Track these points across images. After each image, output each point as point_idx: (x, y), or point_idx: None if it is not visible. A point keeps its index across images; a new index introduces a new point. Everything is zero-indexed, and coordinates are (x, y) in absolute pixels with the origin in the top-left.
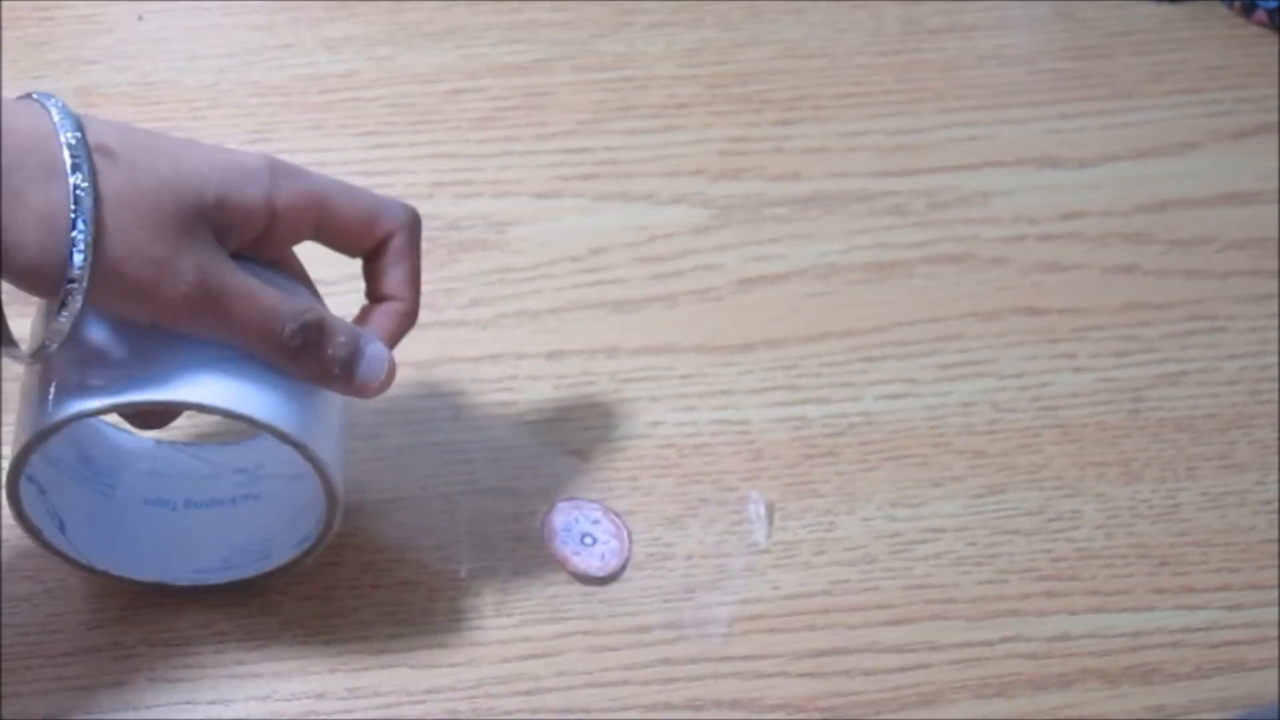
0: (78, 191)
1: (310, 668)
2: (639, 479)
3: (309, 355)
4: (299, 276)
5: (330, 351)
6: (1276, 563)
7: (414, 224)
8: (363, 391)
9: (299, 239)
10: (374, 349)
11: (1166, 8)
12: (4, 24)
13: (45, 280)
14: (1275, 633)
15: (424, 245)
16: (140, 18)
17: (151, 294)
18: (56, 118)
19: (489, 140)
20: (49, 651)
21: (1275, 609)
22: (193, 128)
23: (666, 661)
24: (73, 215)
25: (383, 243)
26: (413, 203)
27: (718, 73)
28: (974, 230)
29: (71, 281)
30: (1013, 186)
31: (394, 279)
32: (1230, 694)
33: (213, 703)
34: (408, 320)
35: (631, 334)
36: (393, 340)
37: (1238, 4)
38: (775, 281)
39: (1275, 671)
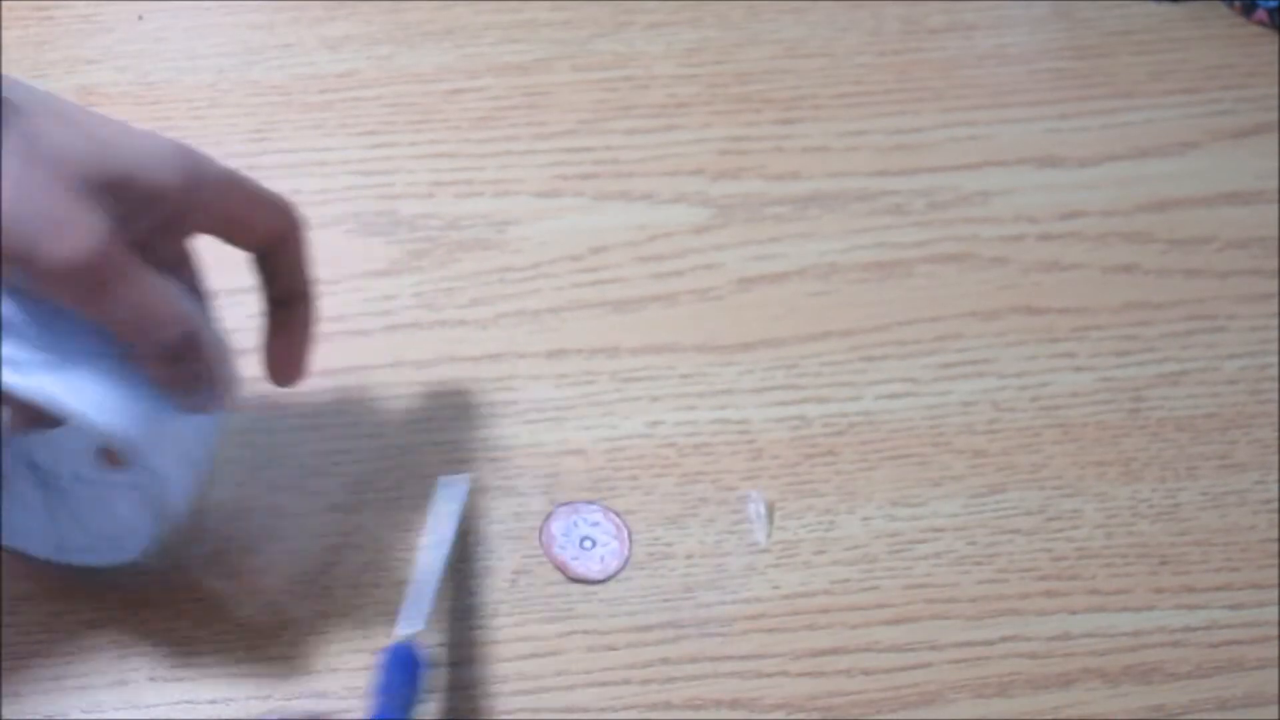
0: None
1: (311, 666)
2: (639, 478)
3: (174, 366)
4: (197, 282)
5: (195, 369)
6: (1276, 562)
7: (303, 221)
8: (198, 411)
9: (206, 230)
10: (234, 376)
11: (1166, 7)
12: (4, 23)
13: None
14: (1275, 632)
15: (425, 245)
16: (140, 17)
17: (37, 254)
18: None
19: (489, 140)
20: (49, 651)
21: (1275, 608)
22: (193, 127)
23: (666, 661)
24: None
25: (283, 237)
26: (413, 202)
27: (718, 72)
28: (974, 230)
29: None
30: (1013, 186)
31: (300, 274)
32: (1230, 693)
33: (213, 702)
34: (317, 317)
35: (631, 333)
36: (312, 341)
37: (1238, 3)
38: (775, 281)
39: (1275, 671)
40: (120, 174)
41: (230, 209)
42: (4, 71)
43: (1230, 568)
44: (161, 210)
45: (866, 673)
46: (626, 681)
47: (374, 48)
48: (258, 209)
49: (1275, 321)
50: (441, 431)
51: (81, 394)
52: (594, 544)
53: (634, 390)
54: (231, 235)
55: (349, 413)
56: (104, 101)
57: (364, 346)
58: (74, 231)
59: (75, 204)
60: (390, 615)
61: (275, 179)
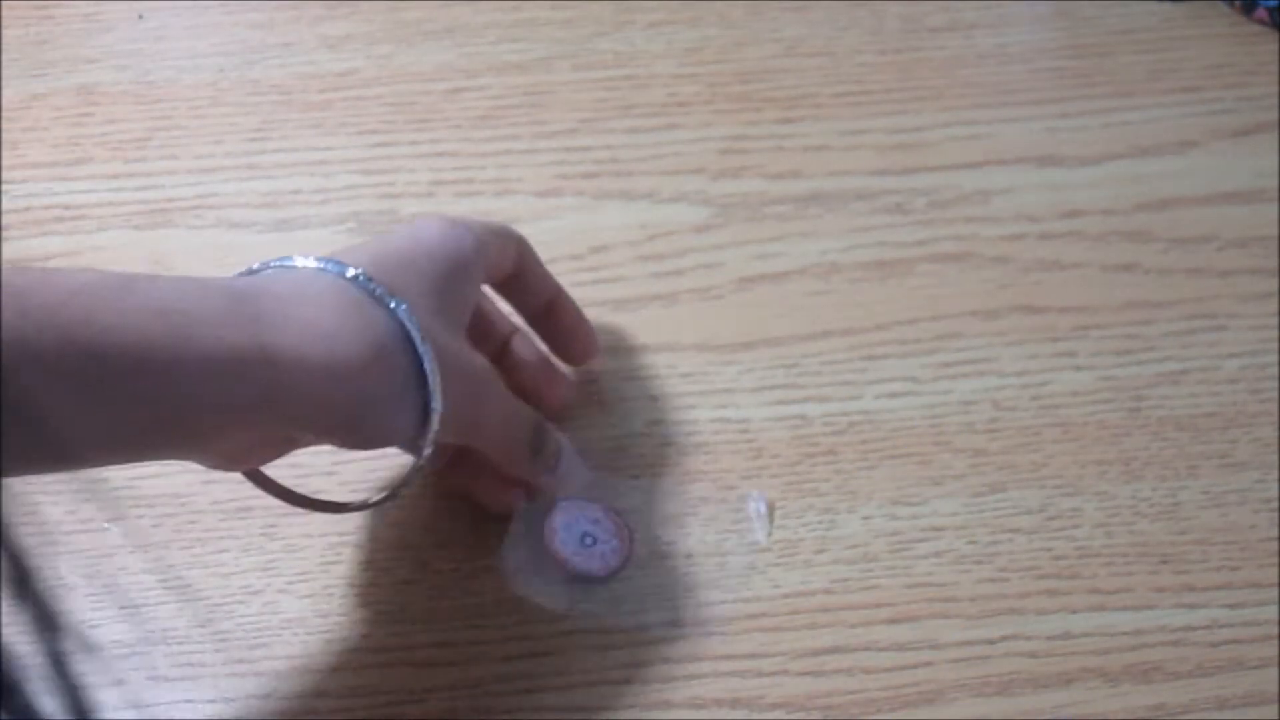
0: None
1: (311, 666)
2: (639, 477)
3: (536, 457)
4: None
5: (551, 447)
6: (1277, 561)
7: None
8: (546, 488)
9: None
10: (566, 448)
11: (1167, 6)
12: (4, 22)
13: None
14: (1276, 631)
15: None
16: (140, 16)
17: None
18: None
19: (489, 139)
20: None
21: (1276, 608)
22: (193, 126)
23: (667, 660)
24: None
25: (523, 260)
26: (413, 201)
27: (718, 71)
28: (974, 229)
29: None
30: (1013, 185)
31: (549, 280)
32: (1231, 692)
33: (213, 701)
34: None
35: (632, 332)
36: (585, 318)
37: (1238, 2)
38: (776, 280)
39: (1276, 670)
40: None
41: (497, 260)
42: (4, 72)
43: (1231, 567)
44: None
45: (867, 672)
46: (627, 680)
47: (374, 47)
48: (506, 248)
49: (1276, 320)
50: None
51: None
52: (595, 541)
53: (634, 389)
54: (496, 283)
55: None
56: (104, 100)
57: None
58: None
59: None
60: (391, 613)
61: (275, 178)
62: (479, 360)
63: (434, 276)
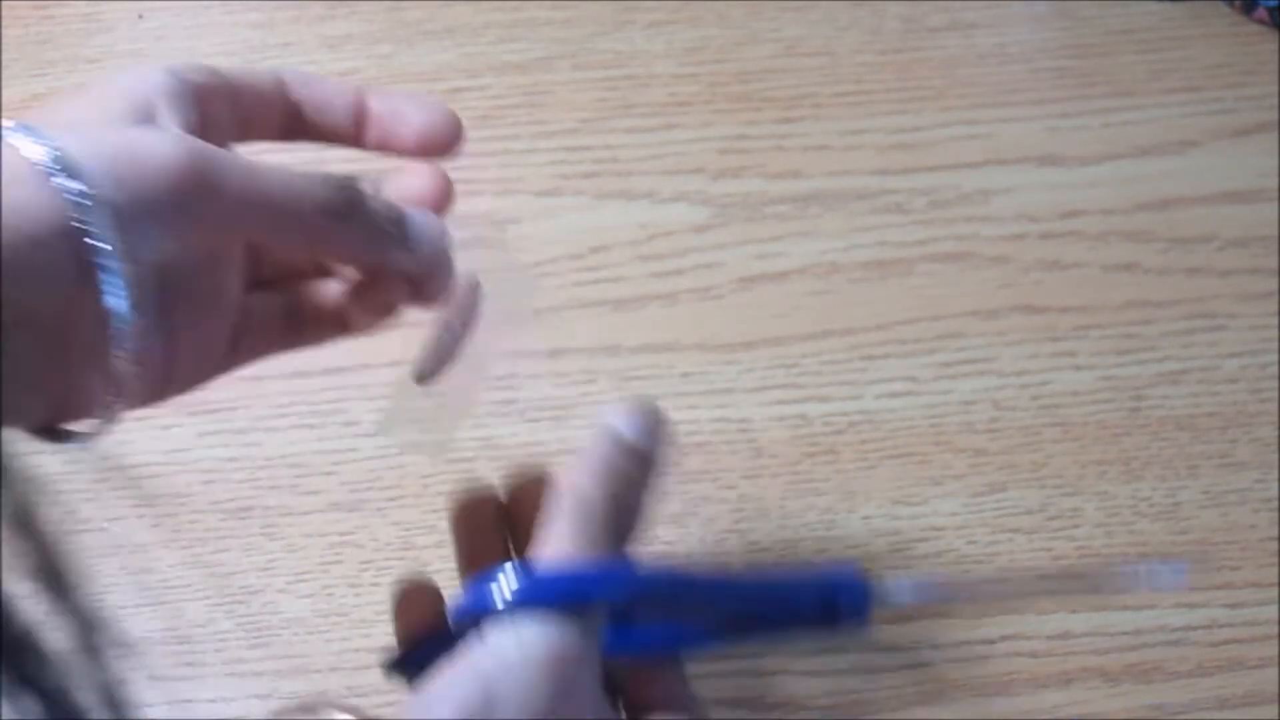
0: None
1: (311, 666)
2: None
3: (356, 215)
4: None
5: (376, 208)
6: (1277, 561)
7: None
8: (425, 266)
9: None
10: (411, 210)
11: (1167, 6)
12: (5, 22)
13: None
14: (1276, 631)
15: None
16: (140, 16)
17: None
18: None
19: (489, 138)
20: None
21: (1276, 607)
22: None
23: None
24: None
25: (284, 92)
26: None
27: (718, 71)
28: (974, 228)
29: None
30: (1013, 184)
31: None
32: (1231, 692)
33: (213, 701)
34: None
35: (632, 332)
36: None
37: (1238, 2)
38: (776, 280)
39: (1276, 670)
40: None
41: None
42: (4, 72)
43: (1231, 567)
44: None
45: (867, 671)
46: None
47: (374, 46)
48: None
49: (1275, 320)
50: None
51: None
52: None
53: (634, 389)
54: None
55: (349, 412)
56: None
57: (364, 345)
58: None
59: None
60: (389, 615)
61: None
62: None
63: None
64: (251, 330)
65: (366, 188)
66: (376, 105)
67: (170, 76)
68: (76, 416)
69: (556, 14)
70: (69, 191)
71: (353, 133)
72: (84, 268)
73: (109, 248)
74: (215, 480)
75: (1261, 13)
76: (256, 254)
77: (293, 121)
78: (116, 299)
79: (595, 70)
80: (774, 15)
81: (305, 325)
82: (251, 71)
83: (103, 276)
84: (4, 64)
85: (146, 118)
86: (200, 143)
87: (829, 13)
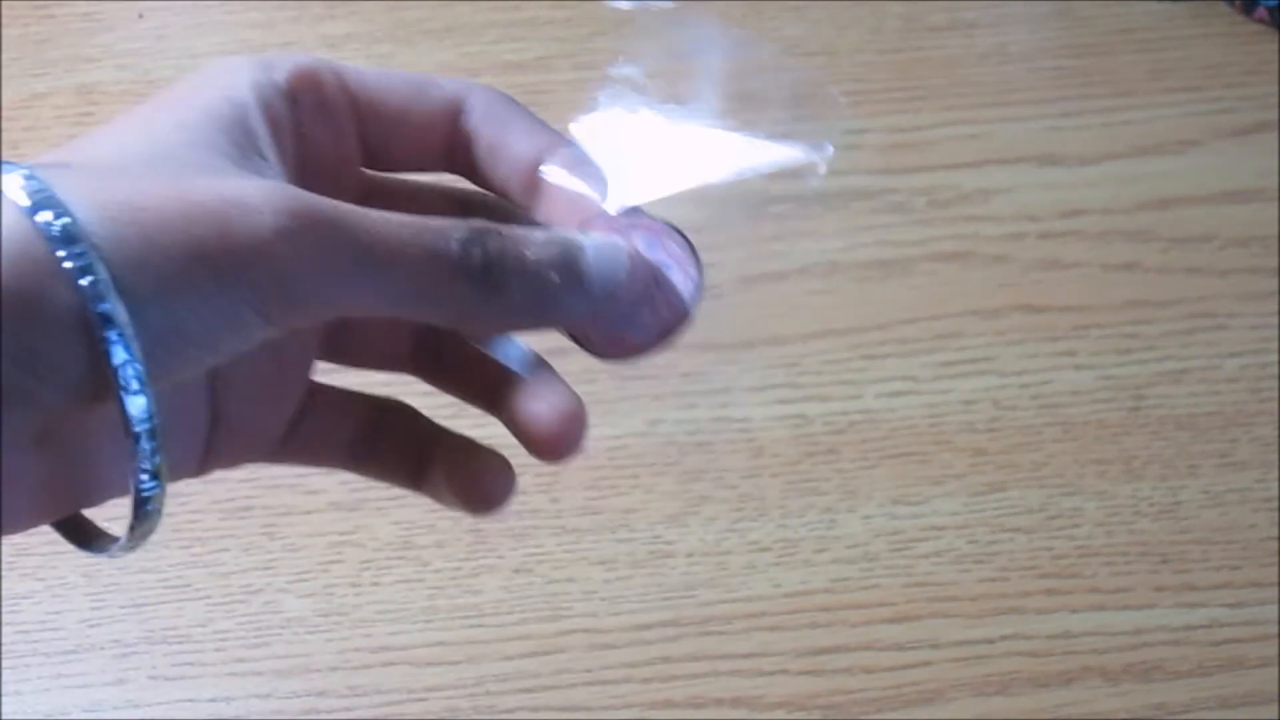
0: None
1: (312, 665)
2: (640, 476)
3: (507, 272)
4: None
5: (531, 254)
6: (1277, 560)
7: (486, 90)
8: (612, 300)
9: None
10: (592, 237)
11: (1167, 5)
12: (5, 22)
13: None
14: (1276, 630)
15: None
16: (141, 15)
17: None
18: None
19: None
20: (50, 649)
21: (1276, 607)
22: None
23: (667, 659)
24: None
25: (454, 120)
26: None
27: None
28: (975, 228)
29: None
30: (1013, 184)
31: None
32: (1231, 691)
33: (214, 700)
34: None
35: None
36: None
37: (1238, 2)
38: (776, 279)
39: (1276, 669)
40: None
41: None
42: (4, 71)
43: (1231, 566)
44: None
45: (867, 671)
46: (627, 680)
47: (374, 46)
48: (389, 100)
49: (1276, 319)
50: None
51: None
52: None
53: (635, 389)
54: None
55: None
56: (105, 100)
57: None
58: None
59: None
60: (391, 612)
61: None
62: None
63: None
64: (318, 426)
65: (508, 227)
66: (553, 181)
67: (269, 83)
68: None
69: (557, 13)
70: (84, 290)
71: (521, 201)
72: (100, 377)
73: (131, 359)
74: (215, 480)
75: (1261, 12)
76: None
77: (455, 158)
78: (140, 415)
79: (596, 70)
80: (774, 14)
81: (394, 439)
82: (408, 81)
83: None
84: (4, 63)
85: (243, 151)
86: (313, 200)
87: (829, 12)
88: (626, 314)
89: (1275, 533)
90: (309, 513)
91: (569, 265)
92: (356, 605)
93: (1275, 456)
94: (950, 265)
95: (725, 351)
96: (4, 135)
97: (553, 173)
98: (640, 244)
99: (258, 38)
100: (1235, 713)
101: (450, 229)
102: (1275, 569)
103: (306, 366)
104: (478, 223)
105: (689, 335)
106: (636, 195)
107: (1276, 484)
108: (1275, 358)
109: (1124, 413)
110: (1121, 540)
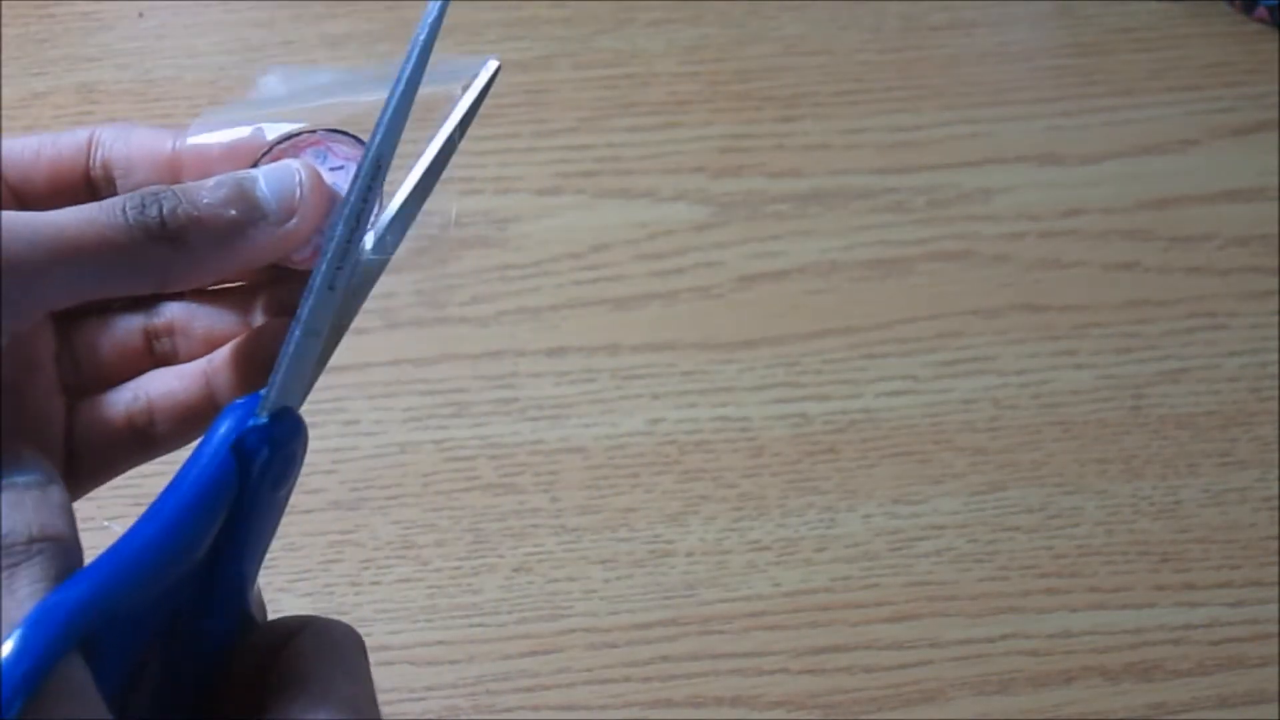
0: None
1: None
2: (640, 476)
3: (187, 224)
4: None
5: (205, 200)
6: (1277, 559)
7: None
8: (289, 218)
9: None
10: (264, 167)
11: (1167, 5)
12: (5, 21)
13: None
14: (1276, 629)
15: (424, 243)
16: (141, 14)
17: None
18: None
19: (490, 137)
20: None
21: (1276, 606)
22: None
23: (667, 658)
24: None
25: (88, 154)
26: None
27: (719, 70)
28: (975, 227)
29: None
30: (1014, 183)
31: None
32: (1231, 690)
33: None
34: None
35: (632, 331)
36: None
37: (1238, 1)
38: (776, 278)
39: (1276, 668)
40: None
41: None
42: (4, 70)
43: (1231, 565)
44: None
45: (867, 670)
46: (627, 679)
47: (374, 45)
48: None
49: (1276, 319)
50: (442, 429)
51: None
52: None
53: (635, 388)
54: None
55: (349, 410)
56: (104, 99)
57: (364, 344)
58: None
59: None
60: (391, 611)
61: None
62: None
63: None
64: (91, 450)
65: (179, 185)
66: (200, 143)
67: None
68: None
69: (557, 12)
70: None
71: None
72: None
73: None
74: None
75: (1262, 11)
76: (72, 351)
77: (98, 190)
78: None
79: (596, 69)
80: (774, 14)
81: (159, 421)
82: (40, 138)
83: None
84: (4, 62)
85: None
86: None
87: (829, 11)
88: (317, 224)
89: (1275, 532)
90: (309, 511)
91: (244, 197)
92: (356, 604)
93: (1275, 456)
94: (950, 264)
95: (725, 350)
96: (4, 134)
97: (197, 138)
98: (310, 158)
99: (258, 37)
100: (1235, 712)
101: (117, 202)
102: (1275, 568)
103: (55, 403)
104: (146, 189)
105: (689, 334)
106: (291, 123)
107: (1276, 483)
108: (1275, 357)
109: (1124, 412)
110: (1121, 539)
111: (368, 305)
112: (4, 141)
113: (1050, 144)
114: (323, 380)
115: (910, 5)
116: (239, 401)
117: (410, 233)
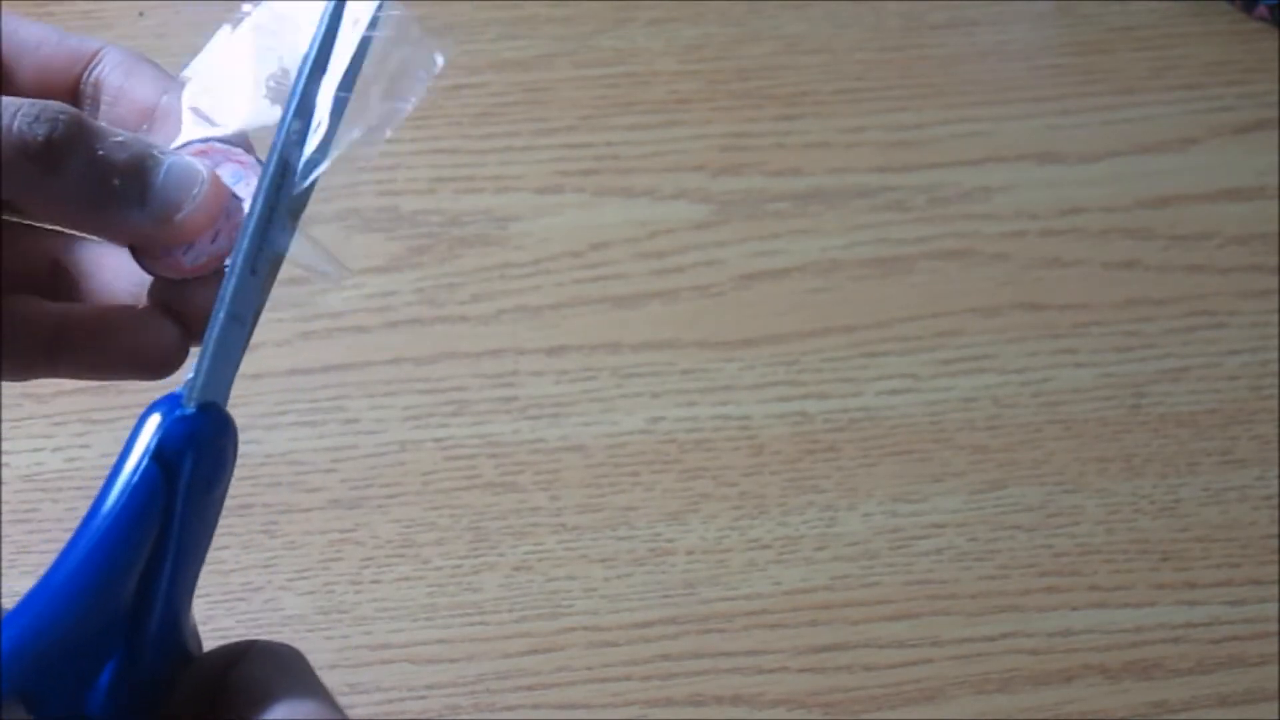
0: None
1: (312, 663)
2: (640, 474)
3: (69, 157)
4: None
5: (103, 151)
6: (1277, 558)
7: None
8: (169, 218)
9: None
10: (176, 156)
11: (1168, 3)
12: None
13: None
14: (1276, 628)
15: (425, 240)
16: (141, 14)
17: None
18: None
19: (490, 136)
20: None
21: (1276, 604)
22: None
23: (667, 657)
24: None
25: (86, 66)
26: (414, 198)
27: (719, 68)
28: (975, 226)
29: None
30: (1014, 182)
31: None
32: (1231, 689)
33: None
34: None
35: (632, 329)
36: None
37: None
38: (776, 277)
39: (1276, 667)
40: None
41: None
42: None
43: (1231, 564)
44: None
45: (867, 669)
46: (627, 678)
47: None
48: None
49: (1276, 317)
50: (442, 428)
51: None
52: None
53: (635, 386)
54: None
55: (349, 409)
56: None
57: (364, 342)
58: None
59: None
60: (391, 610)
61: None
62: None
63: None
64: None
65: (94, 122)
66: (165, 108)
67: None
68: None
69: (557, 11)
70: None
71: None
72: None
73: None
74: None
75: (1262, 10)
76: None
77: (80, 103)
78: None
79: (596, 67)
80: (774, 12)
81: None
82: (52, 28)
83: None
84: None
85: None
86: None
87: (829, 10)
88: (187, 236)
89: (1275, 530)
90: (309, 510)
91: (136, 174)
92: (356, 603)
93: (1275, 454)
94: (950, 263)
95: (725, 349)
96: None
97: (167, 102)
98: (226, 174)
99: None
100: (1235, 710)
101: (16, 105)
102: (1275, 567)
103: None
104: (57, 105)
105: (689, 333)
106: (248, 124)
107: (1277, 482)
108: (1275, 355)
109: (1124, 410)
110: (1122, 538)
111: (368, 304)
112: (15, 18)
113: (1050, 142)
114: (322, 379)
115: (910, 4)
116: (157, 401)
117: (333, 153)
